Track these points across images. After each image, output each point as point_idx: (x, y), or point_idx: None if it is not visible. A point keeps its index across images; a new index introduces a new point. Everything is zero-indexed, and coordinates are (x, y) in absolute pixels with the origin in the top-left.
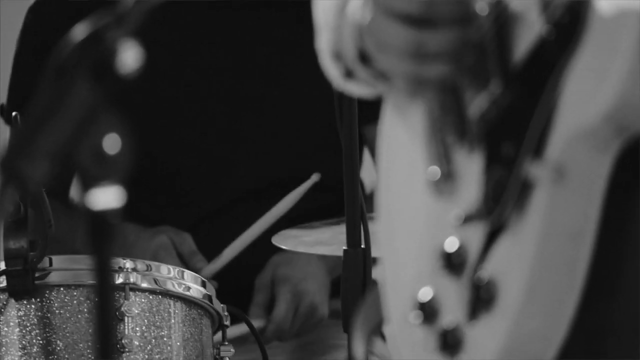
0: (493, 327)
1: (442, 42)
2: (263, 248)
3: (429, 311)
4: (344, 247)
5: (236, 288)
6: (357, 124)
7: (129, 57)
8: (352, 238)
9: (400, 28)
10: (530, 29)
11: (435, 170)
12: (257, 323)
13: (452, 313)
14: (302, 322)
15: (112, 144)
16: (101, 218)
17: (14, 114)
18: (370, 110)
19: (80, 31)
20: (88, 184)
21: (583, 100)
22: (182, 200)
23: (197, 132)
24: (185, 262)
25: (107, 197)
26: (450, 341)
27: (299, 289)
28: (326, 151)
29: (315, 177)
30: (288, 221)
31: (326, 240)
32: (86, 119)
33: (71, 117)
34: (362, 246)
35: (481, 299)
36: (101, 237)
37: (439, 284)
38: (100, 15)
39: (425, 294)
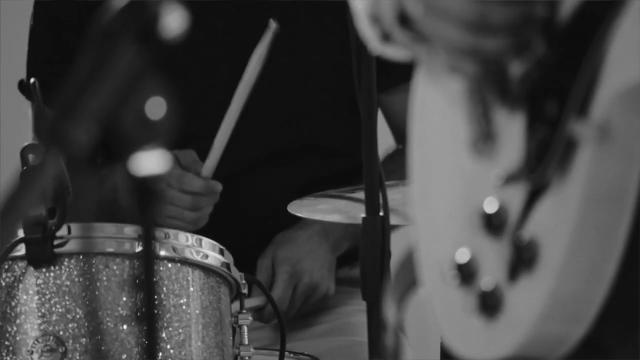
0: (534, 287)
1: (507, 15)
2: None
3: (467, 272)
4: (363, 215)
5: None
6: (375, 91)
7: (173, 20)
8: (371, 206)
9: None
10: None
11: (475, 131)
12: (256, 301)
13: (491, 274)
14: (301, 301)
15: (156, 108)
16: (146, 183)
17: (32, 80)
18: (387, 77)
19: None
20: (133, 148)
21: (629, 58)
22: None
23: (205, 98)
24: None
25: (151, 162)
26: (489, 302)
27: (297, 269)
28: (336, 118)
29: (272, 25)
30: (303, 190)
31: (343, 208)
32: (130, 83)
33: (115, 81)
34: (381, 214)
35: (522, 259)
36: (146, 203)
37: (478, 245)
38: None
39: (463, 254)
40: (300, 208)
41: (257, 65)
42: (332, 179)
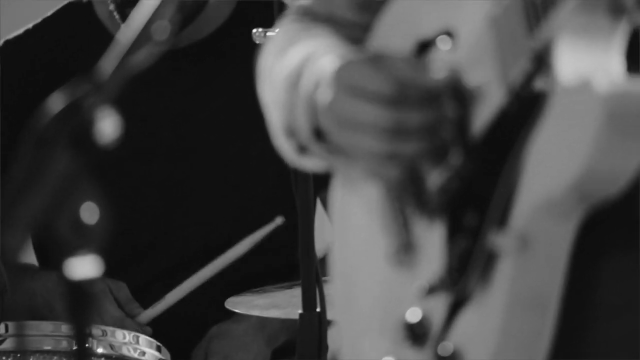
0: None
1: (421, 119)
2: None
3: None
4: (300, 311)
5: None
6: (312, 187)
7: (107, 126)
8: (308, 301)
9: (373, 107)
10: (491, 101)
11: (394, 241)
12: None
13: None
14: None
15: (90, 213)
16: (79, 286)
17: None
18: (325, 176)
19: (58, 100)
20: (66, 253)
21: (548, 171)
22: (131, 259)
23: (141, 188)
24: (121, 308)
25: (84, 266)
26: None
27: None
28: (274, 213)
29: (278, 221)
30: (239, 285)
31: (280, 304)
32: (65, 188)
33: (50, 186)
34: (318, 310)
35: None
36: (79, 306)
37: (402, 355)
38: (78, 84)
39: None
40: (238, 304)
41: (243, 249)
42: (270, 274)
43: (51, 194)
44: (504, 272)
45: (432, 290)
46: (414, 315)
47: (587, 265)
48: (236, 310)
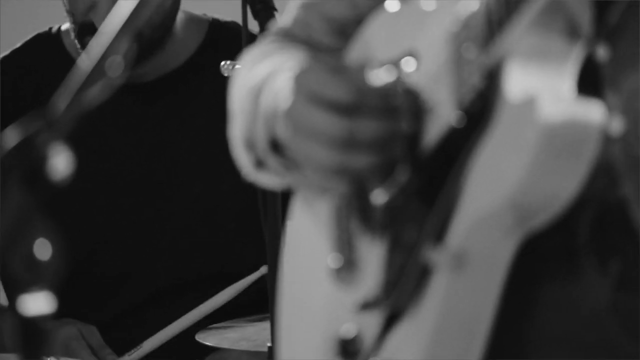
0: None
1: (374, 131)
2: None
3: None
4: (269, 344)
5: None
6: (281, 218)
7: (60, 162)
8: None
9: (328, 115)
10: (442, 118)
11: (338, 258)
12: None
13: None
14: None
15: (43, 249)
16: (32, 323)
17: None
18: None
19: (11, 137)
20: (19, 289)
21: (486, 187)
22: (99, 295)
23: (111, 223)
24: (95, 355)
25: (39, 302)
26: None
27: None
28: (245, 245)
29: (263, 270)
30: (210, 318)
31: (250, 336)
32: (18, 224)
33: (3, 222)
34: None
35: None
36: (32, 341)
37: None
38: (31, 121)
39: None
40: (209, 337)
41: (225, 298)
42: (239, 307)
43: (5, 230)
44: (437, 290)
45: (367, 306)
46: (348, 331)
47: (522, 293)
48: (207, 343)
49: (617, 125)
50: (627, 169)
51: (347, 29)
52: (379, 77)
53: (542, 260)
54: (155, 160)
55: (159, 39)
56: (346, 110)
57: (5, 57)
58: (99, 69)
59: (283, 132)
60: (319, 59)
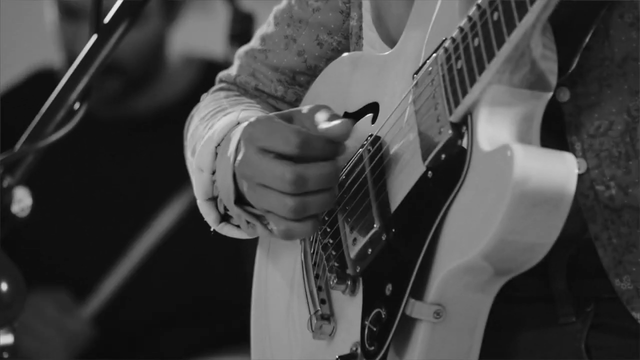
0: None
1: (320, 172)
2: None
3: None
4: None
5: None
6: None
7: (20, 204)
8: None
9: (277, 162)
10: (407, 169)
11: (312, 312)
12: None
13: None
14: None
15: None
16: None
17: None
18: None
19: None
20: None
21: (462, 238)
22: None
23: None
24: None
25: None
26: None
27: None
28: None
29: None
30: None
31: None
32: None
33: None
34: None
35: None
36: None
37: None
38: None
39: None
40: None
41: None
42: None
43: None
44: (419, 341)
45: (346, 359)
46: None
47: (502, 338)
48: None
49: (581, 167)
50: (593, 210)
51: (297, 77)
52: (322, 113)
53: (520, 305)
54: (145, 192)
55: (146, 75)
56: (292, 155)
57: (5, 94)
58: (59, 105)
59: (240, 183)
60: (266, 114)
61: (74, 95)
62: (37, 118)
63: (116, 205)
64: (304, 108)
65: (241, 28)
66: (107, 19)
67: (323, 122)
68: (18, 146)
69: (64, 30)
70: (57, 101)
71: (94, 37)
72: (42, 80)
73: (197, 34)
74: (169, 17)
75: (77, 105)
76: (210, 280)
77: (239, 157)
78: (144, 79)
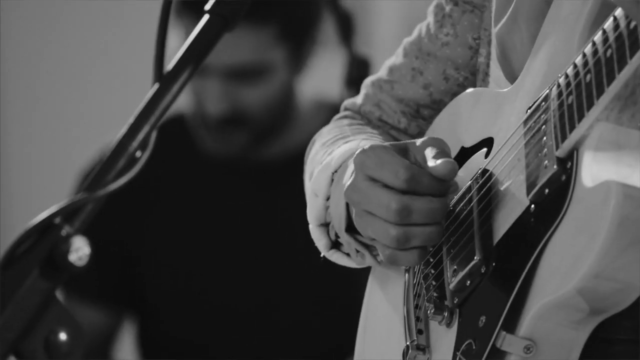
0: None
1: (427, 207)
2: None
3: None
4: None
5: None
6: None
7: (78, 252)
8: None
9: (384, 191)
10: (513, 202)
11: (409, 342)
12: None
13: None
14: None
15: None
16: None
17: None
18: None
19: (33, 226)
20: None
21: (557, 273)
22: None
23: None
24: None
25: None
26: None
27: None
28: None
29: None
30: None
31: None
32: (38, 311)
33: (23, 308)
34: None
35: None
36: None
37: None
38: (53, 211)
39: None
40: None
41: None
42: None
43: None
44: None
45: None
46: None
47: None
48: None
49: None
50: None
51: (421, 110)
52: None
53: (612, 346)
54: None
55: (276, 126)
56: (402, 187)
57: None
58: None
59: (353, 212)
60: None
61: (135, 143)
62: (98, 166)
63: (250, 250)
64: (418, 140)
65: (358, 73)
66: (168, 68)
67: (431, 158)
68: (77, 195)
69: (194, 82)
70: (118, 149)
71: (156, 85)
72: (174, 126)
73: (324, 79)
74: (296, 68)
75: (138, 154)
76: (320, 305)
77: (349, 182)
78: (273, 129)
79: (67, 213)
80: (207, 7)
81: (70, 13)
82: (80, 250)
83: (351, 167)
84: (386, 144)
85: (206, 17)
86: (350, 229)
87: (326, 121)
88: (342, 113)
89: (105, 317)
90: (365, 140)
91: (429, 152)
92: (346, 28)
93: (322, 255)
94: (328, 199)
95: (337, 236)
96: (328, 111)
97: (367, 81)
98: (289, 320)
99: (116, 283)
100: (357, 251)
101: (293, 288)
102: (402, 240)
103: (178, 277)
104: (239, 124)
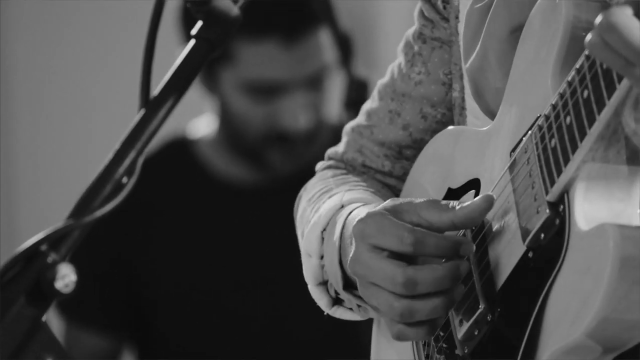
0: None
1: (432, 276)
2: None
3: None
4: None
5: None
6: None
7: (64, 280)
8: None
9: (388, 262)
10: (509, 249)
11: None
12: None
13: None
14: None
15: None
16: None
17: None
18: None
19: (19, 253)
20: None
21: (565, 318)
22: None
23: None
24: None
25: None
26: None
27: None
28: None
29: None
30: None
31: None
32: (24, 338)
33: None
34: None
35: None
36: None
37: None
38: (39, 238)
39: None
40: None
41: None
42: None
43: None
44: None
45: None
46: None
47: None
48: None
49: None
50: None
51: (403, 151)
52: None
53: None
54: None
55: (310, 140)
56: (405, 259)
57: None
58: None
59: (353, 277)
60: (379, 208)
61: (122, 169)
62: (84, 193)
63: (256, 272)
64: (414, 202)
65: (356, 95)
66: (155, 93)
67: (452, 207)
68: (63, 221)
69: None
70: (104, 175)
71: (142, 111)
72: (176, 148)
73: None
74: (316, 88)
75: (125, 180)
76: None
77: (351, 255)
78: (308, 146)
79: (53, 240)
80: (194, 31)
81: (78, 19)
82: (66, 277)
83: (339, 223)
84: (381, 208)
85: (192, 41)
86: (348, 285)
87: (325, 142)
88: (325, 163)
89: (107, 340)
90: (349, 191)
91: (436, 210)
92: (345, 50)
93: (325, 313)
94: (322, 257)
95: (337, 292)
96: (327, 133)
97: (347, 127)
98: (296, 342)
99: (120, 306)
100: (359, 306)
101: (300, 309)
102: (407, 314)
103: (183, 299)
104: (281, 142)
